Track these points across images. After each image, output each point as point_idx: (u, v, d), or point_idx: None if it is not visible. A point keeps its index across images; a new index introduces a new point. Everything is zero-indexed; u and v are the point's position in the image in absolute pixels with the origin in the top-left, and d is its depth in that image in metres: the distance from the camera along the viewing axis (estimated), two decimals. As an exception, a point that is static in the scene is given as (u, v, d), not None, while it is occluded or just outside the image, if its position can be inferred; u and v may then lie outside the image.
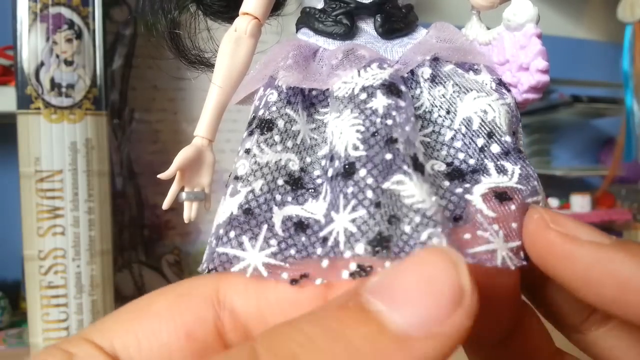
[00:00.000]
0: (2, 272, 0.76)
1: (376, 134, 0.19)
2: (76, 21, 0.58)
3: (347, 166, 0.19)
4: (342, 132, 0.20)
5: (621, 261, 0.17)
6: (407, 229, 0.17)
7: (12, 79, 0.59)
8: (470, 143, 0.22)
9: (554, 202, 0.99)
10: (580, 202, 0.98)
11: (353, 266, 0.17)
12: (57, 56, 0.57)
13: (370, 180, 0.18)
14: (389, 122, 0.19)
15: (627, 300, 0.16)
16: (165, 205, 0.24)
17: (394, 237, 0.17)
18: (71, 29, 0.57)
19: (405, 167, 0.18)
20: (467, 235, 0.19)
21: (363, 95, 0.20)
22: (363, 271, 0.17)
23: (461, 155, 0.22)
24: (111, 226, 0.63)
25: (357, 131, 0.19)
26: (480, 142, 0.21)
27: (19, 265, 0.63)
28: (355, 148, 0.19)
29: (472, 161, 0.21)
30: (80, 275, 0.58)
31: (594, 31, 1.20)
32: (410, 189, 0.18)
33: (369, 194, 0.18)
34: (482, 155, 0.21)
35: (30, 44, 0.56)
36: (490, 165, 0.21)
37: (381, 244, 0.17)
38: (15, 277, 0.75)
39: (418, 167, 0.19)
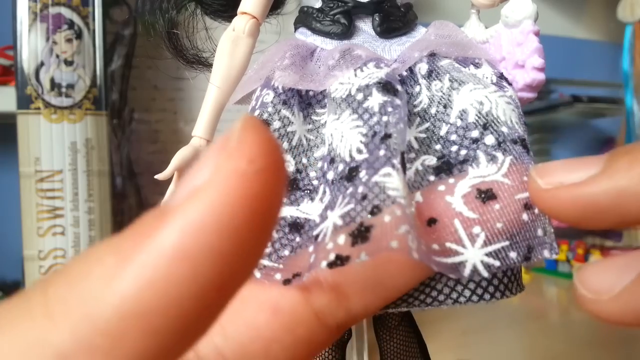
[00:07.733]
0: (1, 272, 0.76)
1: (375, 135, 0.19)
2: (76, 21, 0.58)
3: (351, 170, 0.19)
4: (344, 135, 0.20)
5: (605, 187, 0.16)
6: (387, 219, 0.17)
7: (12, 79, 0.59)
8: (464, 135, 0.21)
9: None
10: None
11: (332, 256, 0.17)
12: (57, 56, 0.57)
13: (365, 178, 0.18)
14: (385, 118, 0.19)
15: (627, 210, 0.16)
16: (164, 204, 0.24)
17: (375, 226, 0.17)
18: (71, 29, 0.57)
19: (394, 161, 0.18)
20: (436, 246, 0.19)
21: (360, 96, 0.20)
22: (340, 261, 0.17)
23: (454, 148, 0.21)
24: (111, 226, 0.63)
25: (360, 133, 0.19)
26: (475, 134, 0.21)
27: (19, 265, 0.63)
28: (359, 152, 0.19)
29: (463, 152, 0.21)
30: (80, 275, 0.58)
31: (594, 31, 1.20)
32: (396, 182, 0.18)
33: (360, 188, 0.18)
34: (475, 146, 0.21)
35: (30, 44, 0.56)
36: (481, 155, 0.20)
37: (361, 234, 0.17)
38: (15, 277, 0.75)
39: (404, 165, 0.19)
